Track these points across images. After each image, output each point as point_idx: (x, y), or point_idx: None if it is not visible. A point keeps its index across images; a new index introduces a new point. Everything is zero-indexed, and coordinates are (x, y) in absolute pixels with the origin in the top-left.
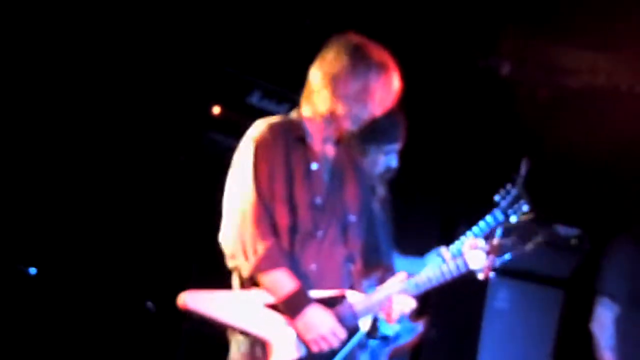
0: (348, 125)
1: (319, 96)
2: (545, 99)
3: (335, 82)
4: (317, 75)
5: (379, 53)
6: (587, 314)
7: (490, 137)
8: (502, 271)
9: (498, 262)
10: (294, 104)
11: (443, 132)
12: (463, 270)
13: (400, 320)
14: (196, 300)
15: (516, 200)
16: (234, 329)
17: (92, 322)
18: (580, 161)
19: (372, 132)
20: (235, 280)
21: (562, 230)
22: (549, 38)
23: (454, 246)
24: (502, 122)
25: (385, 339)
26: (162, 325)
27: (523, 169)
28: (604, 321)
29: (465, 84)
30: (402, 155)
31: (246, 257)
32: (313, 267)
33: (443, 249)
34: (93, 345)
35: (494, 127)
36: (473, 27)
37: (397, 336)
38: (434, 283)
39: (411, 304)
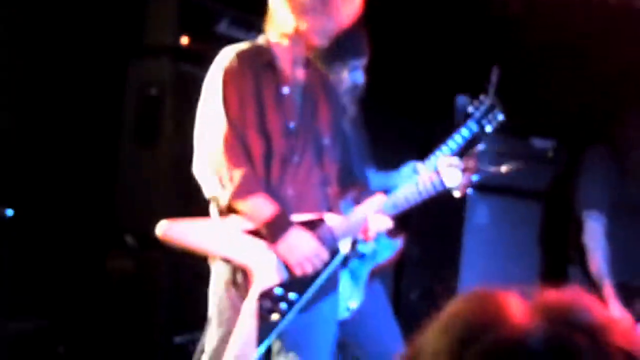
0: (316, 41)
1: (280, 16)
2: (517, 10)
3: None
4: None
5: None
6: (567, 224)
7: (462, 51)
8: (480, 187)
9: (474, 179)
10: (263, 30)
11: (416, 47)
12: (439, 188)
13: (377, 238)
14: (175, 229)
15: (490, 109)
16: (214, 257)
17: (73, 259)
18: (552, 72)
19: (335, 49)
20: (213, 210)
21: (537, 142)
22: None
23: (430, 162)
24: (475, 36)
25: (364, 257)
26: (142, 259)
27: (494, 77)
28: (596, 234)
29: None
30: (375, 72)
31: (223, 186)
32: (290, 191)
33: (419, 165)
34: (74, 283)
35: (466, 41)
36: None
37: (375, 254)
38: (411, 202)
39: (388, 223)
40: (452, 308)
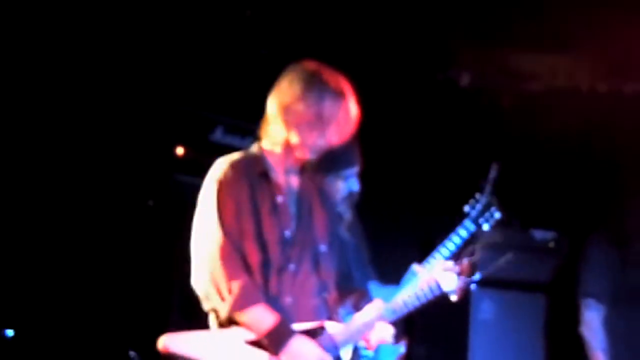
0: (306, 155)
1: (274, 126)
2: (508, 106)
3: (288, 111)
4: (272, 105)
5: (335, 80)
6: (572, 315)
7: (457, 148)
8: (483, 282)
9: (470, 282)
10: (258, 137)
11: (410, 149)
12: (437, 292)
13: (379, 346)
14: (176, 342)
15: (486, 207)
16: None
17: None
18: (549, 163)
19: (327, 160)
20: (212, 322)
21: (538, 234)
22: (506, 45)
23: (428, 264)
24: (468, 133)
25: None
26: None
27: (491, 175)
28: (593, 323)
29: (426, 98)
30: (372, 176)
31: (222, 298)
32: (288, 300)
33: (417, 267)
34: None
35: (459, 139)
36: (428, 42)
37: None
38: (410, 307)
39: (389, 330)
40: None
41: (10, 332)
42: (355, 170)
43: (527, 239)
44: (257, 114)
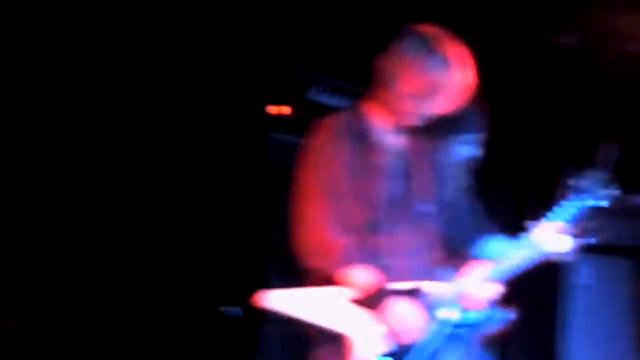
0: (412, 121)
1: (384, 90)
2: (610, 67)
3: (401, 78)
4: (384, 69)
5: (451, 49)
6: None
7: (559, 112)
8: (583, 247)
9: (584, 244)
10: (353, 95)
11: (510, 111)
12: (547, 255)
13: (484, 308)
14: (276, 300)
15: (604, 183)
16: (316, 327)
17: (171, 330)
18: None
19: (450, 123)
20: (311, 280)
21: (635, 199)
22: (610, 5)
23: (539, 229)
24: (570, 95)
25: (472, 327)
26: (240, 330)
27: (612, 154)
28: None
29: (533, 61)
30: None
31: (323, 257)
32: (389, 260)
33: (526, 233)
34: (171, 353)
35: (562, 101)
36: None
37: (484, 324)
38: (519, 269)
39: (497, 291)
40: None
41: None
42: (477, 136)
43: (629, 203)
44: (353, 73)
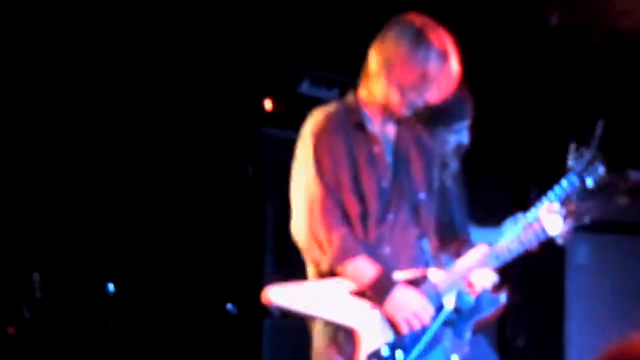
0: (402, 111)
1: (375, 81)
2: (599, 44)
3: (391, 69)
4: (374, 59)
5: (440, 39)
6: None
7: (549, 94)
8: (578, 226)
9: (577, 225)
10: (344, 87)
11: (500, 95)
12: (542, 237)
13: (481, 293)
14: (280, 294)
15: (591, 162)
16: (319, 320)
17: (169, 329)
18: None
19: (439, 113)
20: (312, 273)
21: (634, 175)
22: None
23: (531, 213)
24: (559, 74)
25: (468, 313)
26: (243, 325)
27: (598, 130)
28: None
29: (522, 41)
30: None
31: (322, 250)
32: (388, 250)
33: (520, 216)
34: (176, 351)
35: (550, 80)
36: None
37: (479, 309)
38: (514, 253)
39: (492, 277)
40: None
41: (111, 287)
42: (466, 123)
43: (623, 180)
44: (344, 65)
